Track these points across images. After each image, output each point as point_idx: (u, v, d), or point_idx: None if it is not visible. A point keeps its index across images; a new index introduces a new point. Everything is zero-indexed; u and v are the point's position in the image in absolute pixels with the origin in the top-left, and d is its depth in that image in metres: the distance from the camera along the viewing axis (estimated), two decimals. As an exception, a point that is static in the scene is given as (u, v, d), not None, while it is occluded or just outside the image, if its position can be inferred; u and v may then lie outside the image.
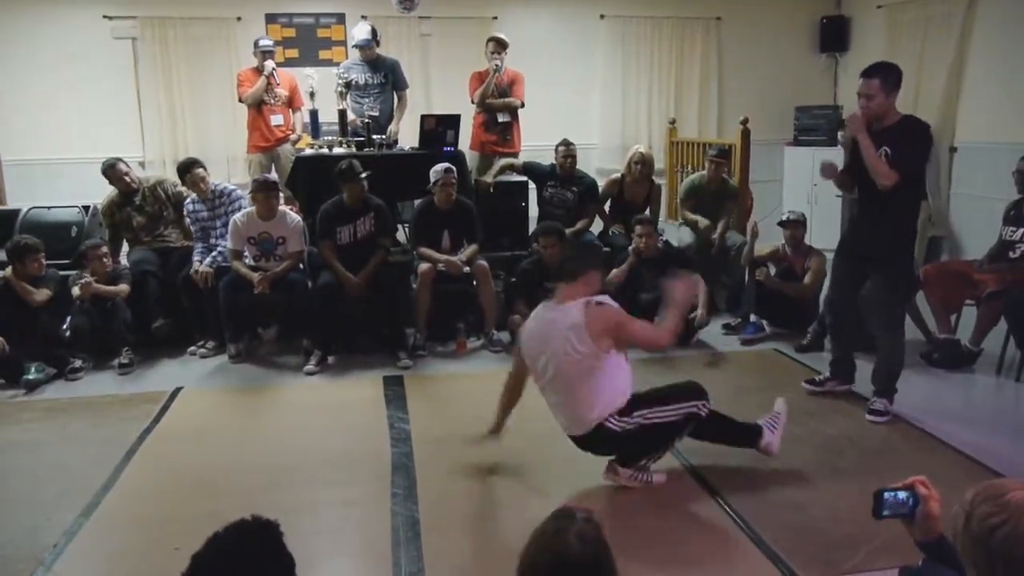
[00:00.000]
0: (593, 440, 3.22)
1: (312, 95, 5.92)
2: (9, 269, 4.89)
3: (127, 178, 5.43)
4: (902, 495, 1.72)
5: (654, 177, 6.27)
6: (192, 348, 5.20)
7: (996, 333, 4.69)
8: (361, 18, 7.08)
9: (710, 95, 8.12)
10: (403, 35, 7.45)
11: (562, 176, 5.96)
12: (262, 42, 6.41)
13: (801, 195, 7.53)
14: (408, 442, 3.81)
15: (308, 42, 7.44)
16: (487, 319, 5.26)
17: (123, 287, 5.02)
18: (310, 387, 4.68)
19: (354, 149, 5.67)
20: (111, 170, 5.41)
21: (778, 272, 5.37)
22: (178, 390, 4.57)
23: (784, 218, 5.43)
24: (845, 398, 4.26)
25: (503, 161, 6.18)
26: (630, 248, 5.28)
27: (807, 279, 5.23)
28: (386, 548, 2.90)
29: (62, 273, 5.05)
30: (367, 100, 6.19)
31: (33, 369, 4.64)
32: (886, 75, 3.71)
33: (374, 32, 6.23)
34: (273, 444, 3.85)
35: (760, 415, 3.87)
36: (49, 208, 5.72)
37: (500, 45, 6.29)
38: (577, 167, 6.02)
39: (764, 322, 5.39)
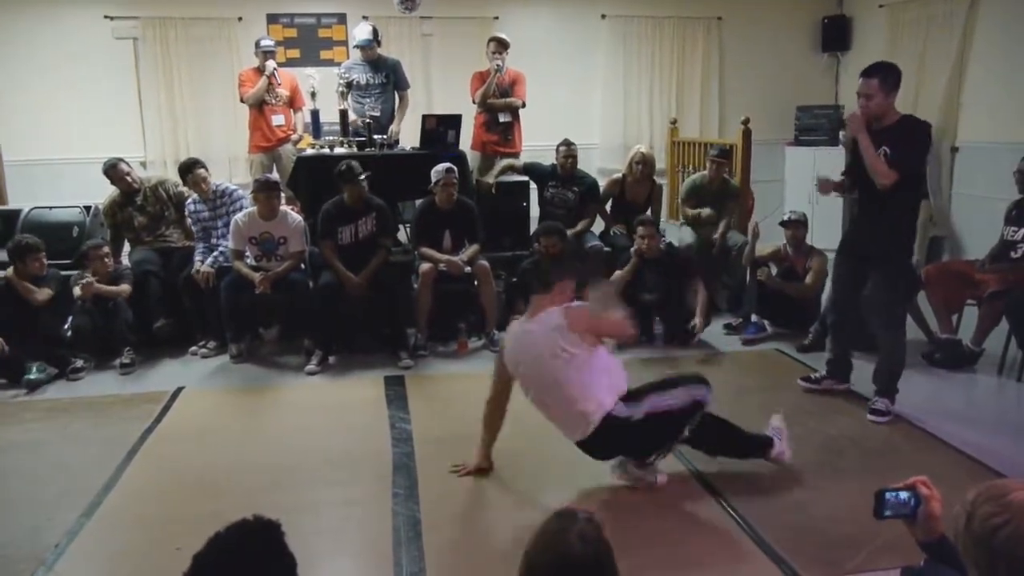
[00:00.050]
0: (602, 438, 3.13)
1: (313, 95, 5.93)
2: (11, 269, 4.90)
3: (128, 178, 5.43)
4: (904, 495, 1.72)
5: (655, 177, 6.27)
6: (193, 348, 5.20)
7: (998, 333, 4.69)
8: (362, 18, 7.08)
9: (711, 95, 8.11)
10: (404, 35, 7.45)
11: (563, 176, 5.96)
12: (263, 42, 6.41)
13: (802, 195, 7.52)
14: (409, 442, 3.81)
15: (309, 42, 7.44)
16: (488, 319, 5.26)
17: (124, 287, 5.03)
18: (311, 387, 4.68)
19: (355, 149, 5.67)
20: (112, 170, 5.41)
21: (780, 272, 5.37)
22: (179, 390, 4.57)
23: (785, 218, 5.43)
24: (846, 398, 4.26)
25: (504, 162, 6.18)
26: (632, 249, 5.28)
27: (808, 279, 5.23)
28: (387, 548, 2.90)
29: (63, 273, 5.05)
30: (368, 100, 6.19)
31: (34, 369, 4.65)
32: (885, 75, 3.72)
33: (375, 32, 6.23)
34: (274, 444, 3.85)
35: (762, 415, 3.87)
36: (51, 208, 5.72)
37: (501, 45, 6.29)
38: (578, 167, 6.02)
39: (766, 322, 5.39)
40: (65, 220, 5.65)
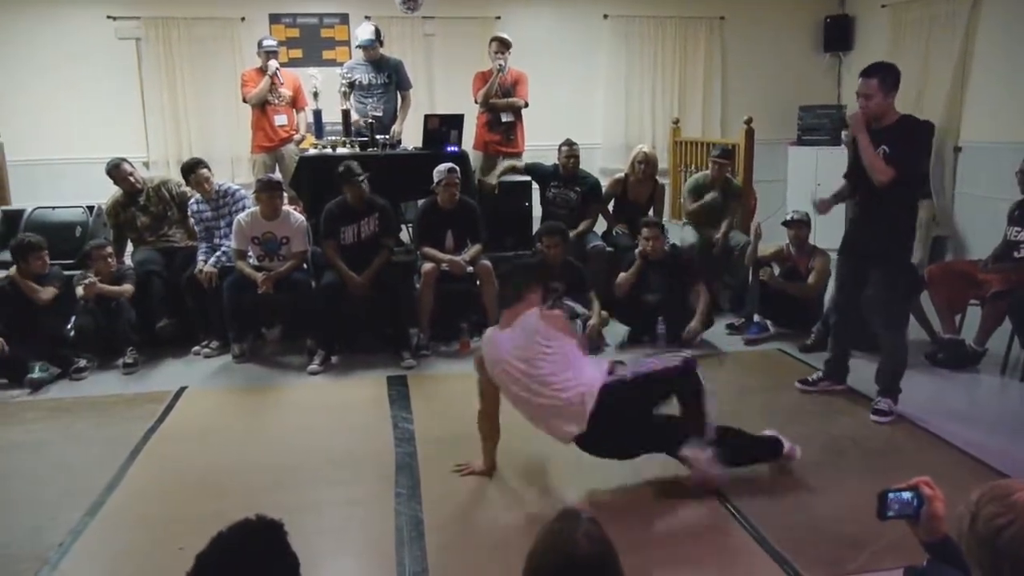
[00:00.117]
0: (603, 416, 3.10)
1: (316, 95, 5.93)
2: (14, 268, 4.90)
3: (131, 178, 5.44)
4: (906, 495, 1.71)
5: (658, 177, 6.27)
6: (196, 348, 5.21)
7: (1000, 333, 4.69)
8: (365, 18, 7.08)
9: (713, 95, 8.10)
10: (406, 35, 7.46)
11: (565, 176, 5.96)
12: (266, 42, 6.41)
13: (805, 195, 7.42)
14: (412, 442, 3.81)
15: (312, 42, 7.44)
16: (490, 319, 5.24)
17: (127, 287, 5.03)
18: (314, 387, 4.68)
19: (357, 149, 5.67)
20: (115, 170, 5.42)
21: (782, 272, 5.37)
22: (182, 390, 4.57)
23: (788, 218, 5.42)
24: (849, 398, 4.25)
25: (506, 163, 6.19)
26: (637, 251, 5.27)
27: (811, 279, 5.22)
28: (390, 548, 2.90)
29: (66, 273, 5.06)
30: (371, 100, 6.20)
31: (37, 368, 4.65)
32: (884, 75, 3.75)
33: (378, 32, 6.23)
34: (277, 444, 3.85)
35: (764, 415, 3.89)
36: (54, 208, 5.74)
37: (503, 45, 6.29)
38: (580, 167, 6.02)
39: (768, 322, 5.39)
40: (68, 220, 5.67)
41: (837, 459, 3.59)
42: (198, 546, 1.51)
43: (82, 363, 4.84)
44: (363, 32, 6.22)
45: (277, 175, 5.90)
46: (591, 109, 7.94)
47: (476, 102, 6.40)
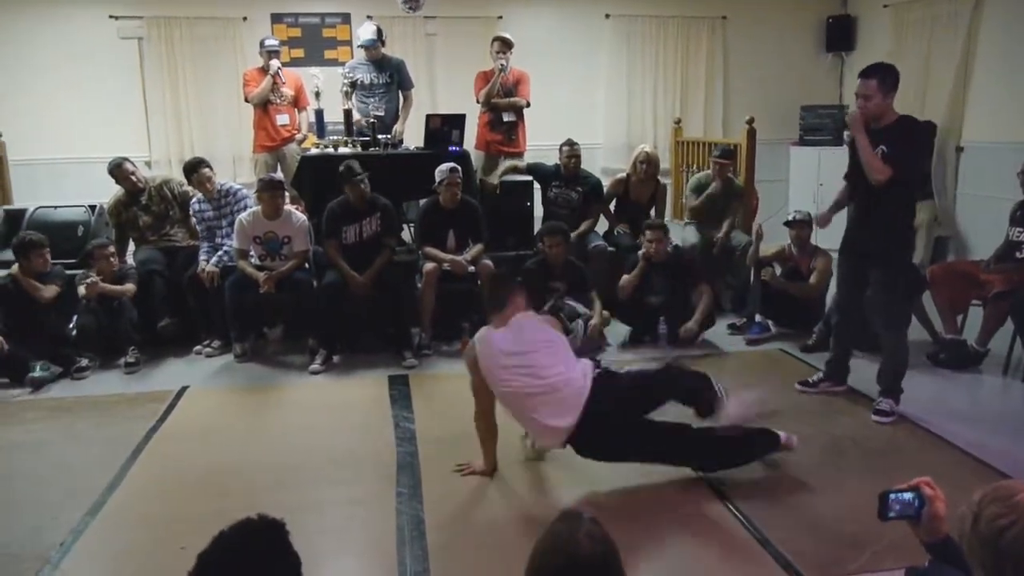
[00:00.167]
0: (593, 415, 3.11)
1: (317, 95, 5.93)
2: (15, 266, 4.91)
3: (133, 177, 5.44)
4: (907, 496, 1.71)
5: (659, 177, 6.27)
6: (198, 347, 5.21)
7: (1003, 333, 4.68)
8: (366, 18, 7.09)
9: (715, 94, 8.10)
10: (408, 35, 7.46)
11: (566, 176, 5.96)
12: (268, 42, 6.41)
13: (807, 195, 7.51)
14: (413, 441, 3.81)
15: (313, 42, 7.45)
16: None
17: (129, 286, 5.04)
18: (315, 386, 4.69)
19: (359, 149, 5.67)
20: (117, 169, 5.42)
21: (784, 272, 5.37)
22: (184, 389, 4.58)
23: (790, 218, 5.42)
24: (850, 398, 4.25)
25: (508, 163, 6.18)
26: (640, 253, 5.27)
27: (813, 279, 5.22)
28: (391, 547, 2.90)
29: (68, 272, 5.07)
30: (372, 100, 6.20)
31: (38, 367, 4.66)
32: (883, 76, 3.77)
33: (379, 32, 6.23)
34: (278, 443, 3.86)
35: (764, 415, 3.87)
36: (56, 208, 5.75)
37: (505, 44, 6.29)
38: (582, 167, 6.02)
39: (770, 322, 5.38)
40: (70, 219, 5.68)
41: (838, 459, 3.59)
42: (200, 545, 1.51)
43: (84, 362, 4.84)
44: (365, 32, 6.22)
45: (279, 175, 5.90)
46: (593, 109, 7.94)
47: (478, 102, 6.40)
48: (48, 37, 7.01)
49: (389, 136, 5.89)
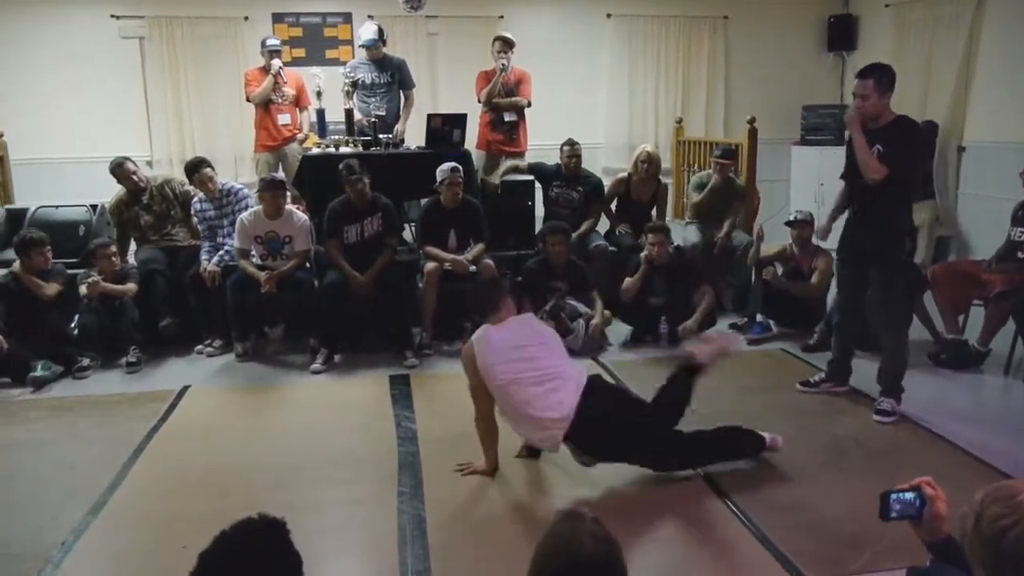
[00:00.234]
0: (588, 408, 3.14)
1: (319, 94, 5.93)
2: (17, 264, 4.91)
3: (135, 177, 5.44)
4: (909, 496, 1.71)
5: (660, 176, 6.26)
6: (199, 347, 5.21)
7: (1004, 333, 4.68)
8: (368, 17, 7.09)
9: (717, 94, 8.09)
10: (410, 34, 7.46)
11: (567, 176, 5.96)
12: (269, 41, 6.42)
13: (808, 195, 7.50)
14: (414, 441, 3.81)
15: (315, 41, 7.45)
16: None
17: (131, 286, 5.04)
18: (316, 386, 4.69)
19: (360, 148, 5.67)
20: (119, 169, 5.42)
21: (785, 272, 5.37)
22: (185, 388, 4.58)
23: (791, 218, 5.41)
24: (851, 398, 4.25)
25: (509, 163, 6.18)
26: (642, 256, 5.26)
27: (814, 279, 5.22)
28: (392, 547, 2.90)
29: (70, 272, 5.07)
30: (374, 99, 6.20)
31: (40, 367, 4.66)
32: (880, 76, 3.81)
33: (381, 32, 6.23)
34: (280, 443, 3.86)
35: (766, 415, 3.88)
36: (57, 207, 5.75)
37: (507, 44, 6.29)
38: (583, 166, 6.02)
39: (771, 322, 5.38)
40: (72, 219, 5.68)
41: (840, 459, 3.59)
42: (201, 545, 1.51)
43: (85, 362, 4.85)
44: (366, 31, 6.22)
45: (280, 174, 5.90)
46: (594, 108, 7.93)
47: (479, 101, 6.40)
48: (49, 37, 7.01)
49: (390, 136, 5.89)
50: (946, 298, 4.92)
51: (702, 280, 5.26)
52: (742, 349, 3.52)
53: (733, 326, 5.48)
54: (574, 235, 5.55)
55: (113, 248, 5.13)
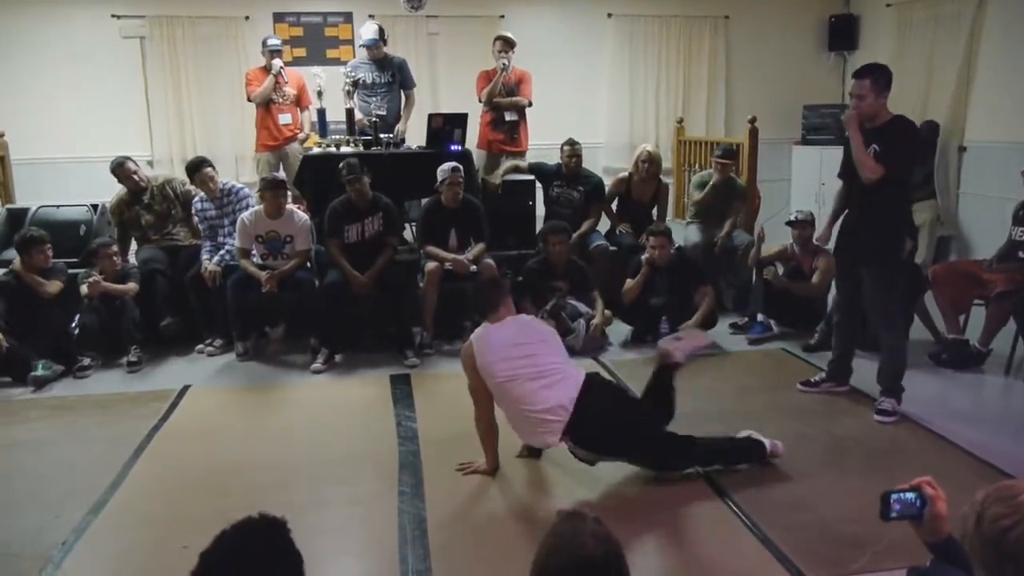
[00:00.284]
0: (586, 403, 3.15)
1: (320, 94, 5.93)
2: (17, 262, 4.91)
3: (135, 177, 5.44)
4: (909, 496, 1.71)
5: (661, 176, 6.26)
6: (200, 346, 5.22)
7: (1005, 333, 4.68)
8: (368, 17, 7.09)
9: (718, 94, 8.09)
10: (410, 34, 7.46)
11: (568, 175, 5.96)
12: (270, 41, 6.42)
13: (809, 195, 7.50)
14: (415, 440, 3.81)
15: (316, 41, 7.45)
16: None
17: (131, 286, 5.04)
18: (317, 385, 4.69)
19: (361, 148, 5.67)
20: (119, 169, 5.42)
21: (786, 271, 5.37)
22: (186, 388, 4.58)
23: (792, 218, 5.41)
24: (852, 398, 4.25)
25: (509, 163, 6.18)
26: (643, 258, 5.25)
27: (815, 278, 5.22)
28: (393, 546, 2.90)
29: (71, 271, 5.07)
30: (374, 99, 6.20)
31: (40, 366, 4.66)
32: (876, 76, 3.81)
33: (381, 31, 6.23)
34: (280, 442, 3.86)
35: (767, 415, 3.88)
36: (58, 207, 5.74)
37: (507, 44, 6.29)
38: (583, 166, 6.02)
39: (771, 321, 5.38)
40: (72, 218, 5.67)
41: (840, 459, 3.59)
42: (202, 544, 1.51)
43: (86, 361, 4.85)
44: (367, 31, 6.22)
45: (281, 174, 5.90)
46: (595, 108, 7.93)
47: (480, 101, 6.40)
48: (50, 36, 7.01)
49: (391, 135, 5.89)
50: (947, 298, 4.91)
51: (703, 281, 5.26)
52: (711, 345, 3.61)
53: (734, 326, 5.48)
54: (574, 235, 5.55)
55: (114, 248, 5.13)
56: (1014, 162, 5.29)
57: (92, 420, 4.17)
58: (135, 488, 3.40)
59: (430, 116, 5.88)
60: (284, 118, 6.44)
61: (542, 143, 6.65)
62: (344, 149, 5.64)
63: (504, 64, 6.22)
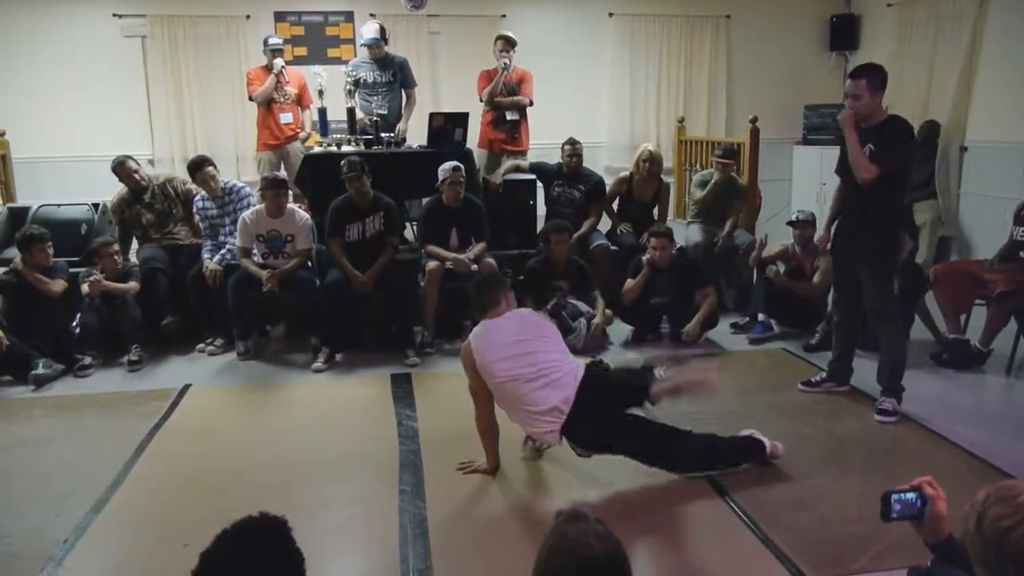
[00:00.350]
0: (584, 399, 3.15)
1: (321, 93, 5.93)
2: (19, 260, 4.91)
3: (136, 176, 5.44)
4: (910, 496, 1.72)
5: (662, 176, 6.26)
6: (201, 345, 5.22)
7: (1006, 333, 4.68)
8: (369, 16, 7.10)
9: (719, 93, 8.10)
10: (411, 33, 7.46)
11: (569, 175, 5.96)
12: (271, 40, 6.42)
13: (810, 194, 7.50)
14: (416, 439, 3.81)
15: (317, 40, 7.45)
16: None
17: (132, 284, 5.04)
18: (318, 385, 4.69)
19: (362, 147, 5.67)
20: (120, 168, 5.42)
21: (787, 271, 5.37)
22: (187, 387, 4.58)
23: (793, 218, 5.42)
24: (853, 398, 4.25)
25: (510, 163, 6.18)
26: (644, 259, 5.25)
27: (816, 278, 5.22)
28: (393, 545, 2.90)
29: (72, 270, 5.07)
30: (375, 98, 6.20)
31: (41, 365, 4.66)
32: (872, 76, 3.83)
33: (382, 30, 6.23)
34: (281, 441, 3.86)
35: (767, 414, 3.88)
36: (59, 206, 5.75)
37: (508, 43, 6.29)
38: (584, 165, 6.01)
39: (772, 321, 5.38)
40: (74, 217, 5.68)
41: (841, 459, 3.59)
42: (203, 544, 1.51)
43: (87, 360, 4.85)
44: (368, 30, 6.22)
45: (282, 173, 5.90)
46: (596, 108, 7.93)
47: (481, 100, 6.40)
48: (51, 36, 7.02)
49: (392, 134, 5.89)
50: (948, 298, 4.91)
51: (705, 281, 5.25)
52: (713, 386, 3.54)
53: (735, 326, 5.48)
54: (575, 235, 5.55)
55: (115, 247, 5.14)
56: (1015, 162, 5.30)
57: (93, 419, 4.18)
58: (136, 487, 3.40)
59: (431, 115, 5.87)
60: (285, 117, 6.45)
61: (543, 142, 6.65)
62: (345, 148, 5.64)
63: (505, 63, 6.22)
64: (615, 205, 6.22)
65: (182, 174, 5.82)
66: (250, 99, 6.45)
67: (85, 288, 4.87)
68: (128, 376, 4.82)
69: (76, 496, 3.28)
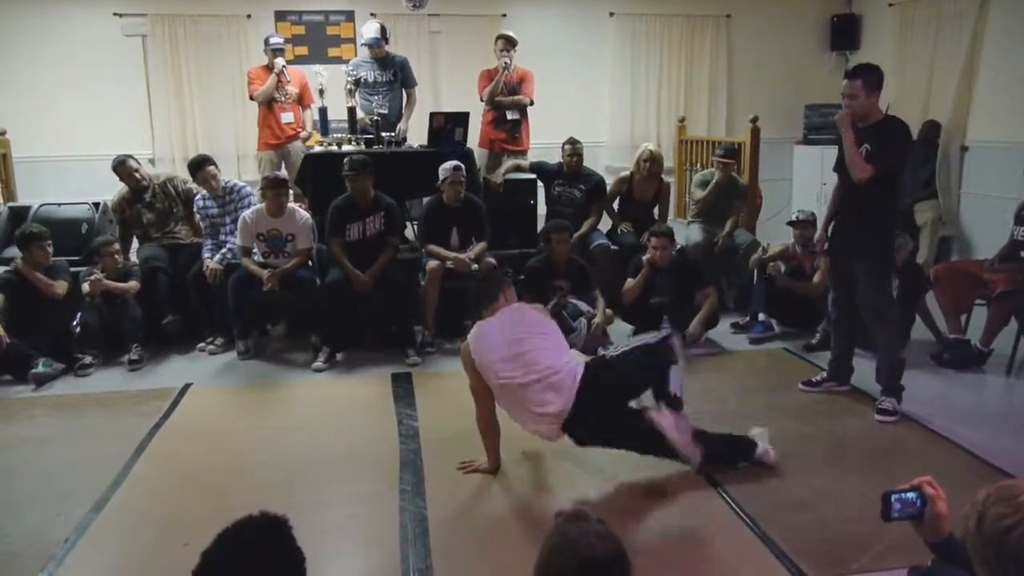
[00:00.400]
0: (585, 397, 3.15)
1: (321, 93, 5.93)
2: (19, 260, 4.91)
3: (137, 175, 5.44)
4: (910, 496, 1.72)
5: (663, 175, 6.26)
6: (201, 344, 5.22)
7: (1006, 333, 4.68)
8: (370, 15, 7.10)
9: (720, 93, 8.10)
10: (412, 32, 7.46)
11: (569, 174, 5.96)
12: (272, 39, 6.42)
13: (810, 194, 7.50)
14: (416, 439, 3.81)
15: (317, 39, 7.45)
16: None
17: (133, 284, 5.04)
18: (318, 384, 4.69)
19: (363, 146, 5.67)
20: (121, 167, 5.42)
21: (787, 271, 5.36)
22: (187, 386, 4.58)
23: (794, 218, 5.42)
24: (853, 397, 4.25)
25: (511, 163, 6.18)
26: (644, 259, 5.25)
27: (816, 278, 5.21)
28: (394, 544, 2.90)
29: (72, 269, 5.07)
30: (376, 98, 6.20)
31: (41, 364, 4.66)
32: (868, 76, 3.85)
33: (383, 30, 6.23)
34: (281, 441, 3.86)
35: (767, 414, 3.87)
36: (60, 205, 5.75)
37: (509, 43, 6.29)
38: (585, 165, 6.01)
39: (773, 321, 5.38)
40: (74, 217, 5.68)
41: (841, 458, 3.59)
42: (203, 543, 1.51)
43: (87, 359, 4.85)
44: (368, 30, 6.22)
45: (283, 172, 5.90)
46: (597, 107, 7.94)
47: (481, 100, 6.40)
48: (52, 35, 7.02)
49: (393, 134, 5.89)
50: (948, 298, 4.91)
51: (705, 281, 5.25)
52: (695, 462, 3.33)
53: (735, 325, 5.48)
54: (576, 234, 5.55)
55: (115, 246, 5.14)
56: (1015, 162, 5.30)
57: (93, 418, 4.18)
58: (136, 486, 3.40)
59: (431, 115, 5.87)
60: (286, 116, 6.45)
61: (544, 142, 6.65)
62: (346, 148, 5.64)
63: (506, 63, 6.22)
64: (615, 205, 6.21)
65: (183, 173, 5.82)
66: (251, 98, 6.45)
67: (86, 287, 4.87)
68: (128, 375, 4.82)
69: (76, 495, 3.28)
